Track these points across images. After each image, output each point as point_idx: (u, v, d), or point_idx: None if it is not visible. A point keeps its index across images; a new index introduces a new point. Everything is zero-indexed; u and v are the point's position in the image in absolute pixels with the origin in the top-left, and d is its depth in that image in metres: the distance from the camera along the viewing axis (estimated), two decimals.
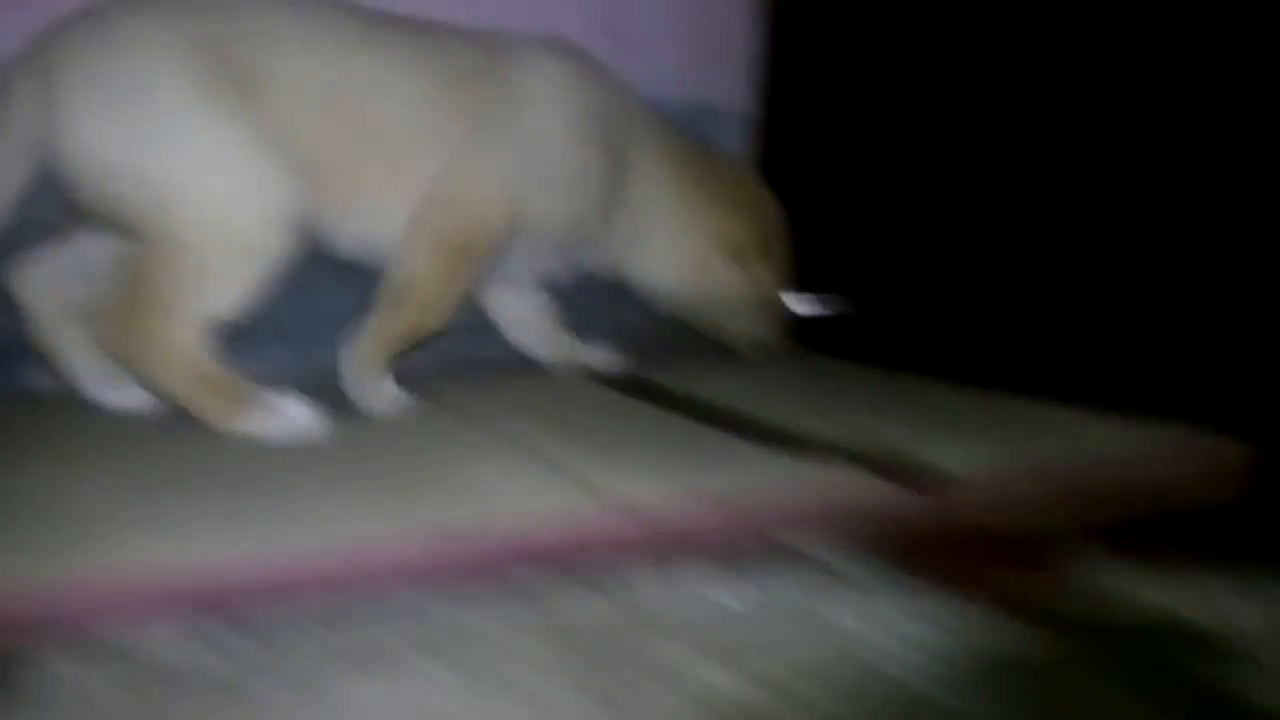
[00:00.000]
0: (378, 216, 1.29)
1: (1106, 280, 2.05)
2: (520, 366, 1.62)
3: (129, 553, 0.74)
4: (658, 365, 1.62)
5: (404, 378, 1.33)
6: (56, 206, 1.18)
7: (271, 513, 0.85)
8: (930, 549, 0.89)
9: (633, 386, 1.47)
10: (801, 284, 1.79)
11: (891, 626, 0.72)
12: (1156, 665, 0.68)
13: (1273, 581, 0.81)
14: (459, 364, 1.60)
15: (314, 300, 1.51)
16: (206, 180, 1.12)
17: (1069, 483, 1.00)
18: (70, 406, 1.24)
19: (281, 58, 1.19)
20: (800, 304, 1.77)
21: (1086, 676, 0.66)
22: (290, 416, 1.15)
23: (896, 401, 1.38)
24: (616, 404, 1.37)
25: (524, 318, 1.60)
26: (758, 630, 0.71)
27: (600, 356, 1.61)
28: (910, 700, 0.61)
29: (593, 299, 1.70)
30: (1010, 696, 0.63)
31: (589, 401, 1.38)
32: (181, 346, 1.12)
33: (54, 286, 1.25)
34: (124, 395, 1.25)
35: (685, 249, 1.54)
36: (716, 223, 1.53)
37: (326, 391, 1.26)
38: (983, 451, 1.06)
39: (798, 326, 1.79)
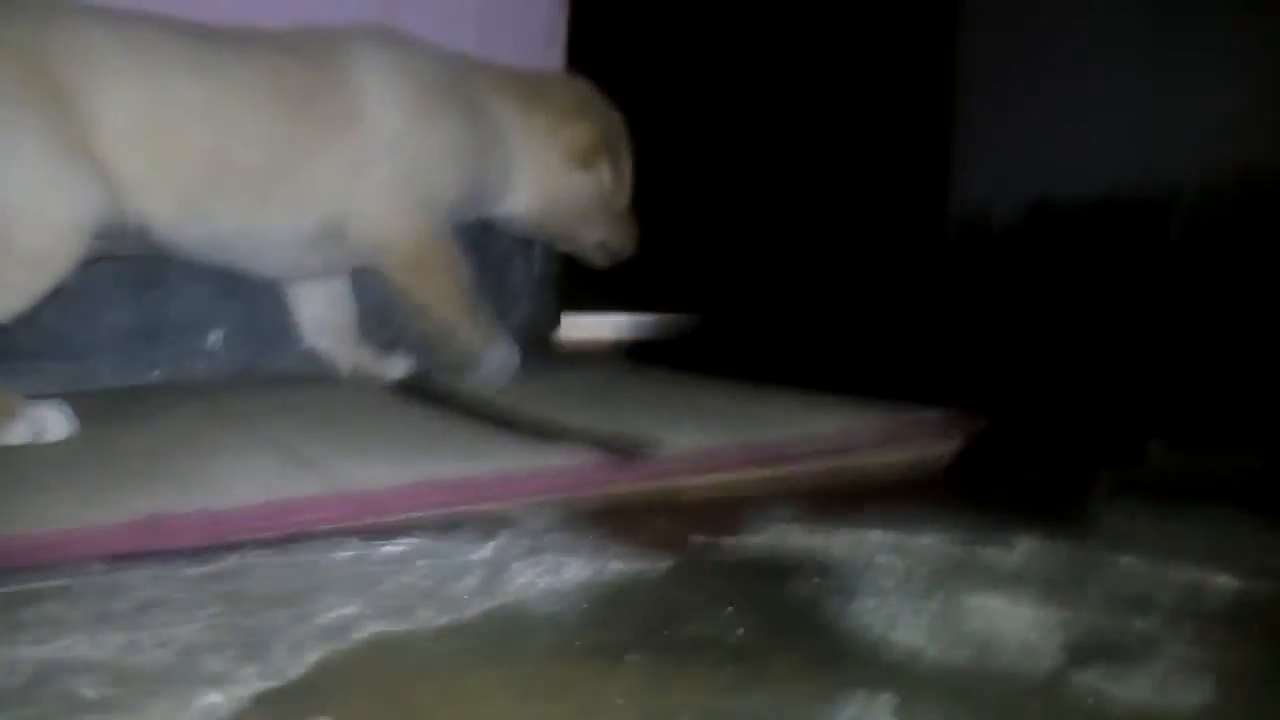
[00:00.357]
0: (239, 233, 1.36)
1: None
2: (313, 375, 1.64)
3: None
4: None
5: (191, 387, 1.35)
6: None
7: None
8: (634, 517, 0.96)
9: (407, 388, 1.51)
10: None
11: (559, 574, 0.78)
12: (772, 585, 0.76)
13: (933, 534, 0.90)
14: (248, 372, 1.63)
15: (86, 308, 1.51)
16: None
17: (773, 458, 1.08)
18: None
19: (105, 76, 1.21)
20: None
21: (699, 596, 0.73)
22: (44, 423, 1.15)
23: (653, 397, 1.47)
24: (385, 406, 1.41)
25: (327, 326, 1.62)
26: (437, 588, 0.75)
27: (399, 366, 1.64)
28: (531, 620, 0.67)
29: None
30: (615, 605, 0.69)
31: (360, 404, 1.42)
32: None
33: None
34: None
35: (540, 167, 1.62)
36: (561, 133, 1.60)
37: (89, 397, 1.27)
38: (708, 434, 1.13)
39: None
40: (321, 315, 1.62)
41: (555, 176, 1.62)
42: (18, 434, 1.13)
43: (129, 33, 1.26)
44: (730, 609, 0.71)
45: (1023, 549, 0.85)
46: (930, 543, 0.87)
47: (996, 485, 1.09)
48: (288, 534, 0.85)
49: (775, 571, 0.79)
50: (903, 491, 1.06)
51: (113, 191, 1.21)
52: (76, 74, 1.19)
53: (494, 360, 1.51)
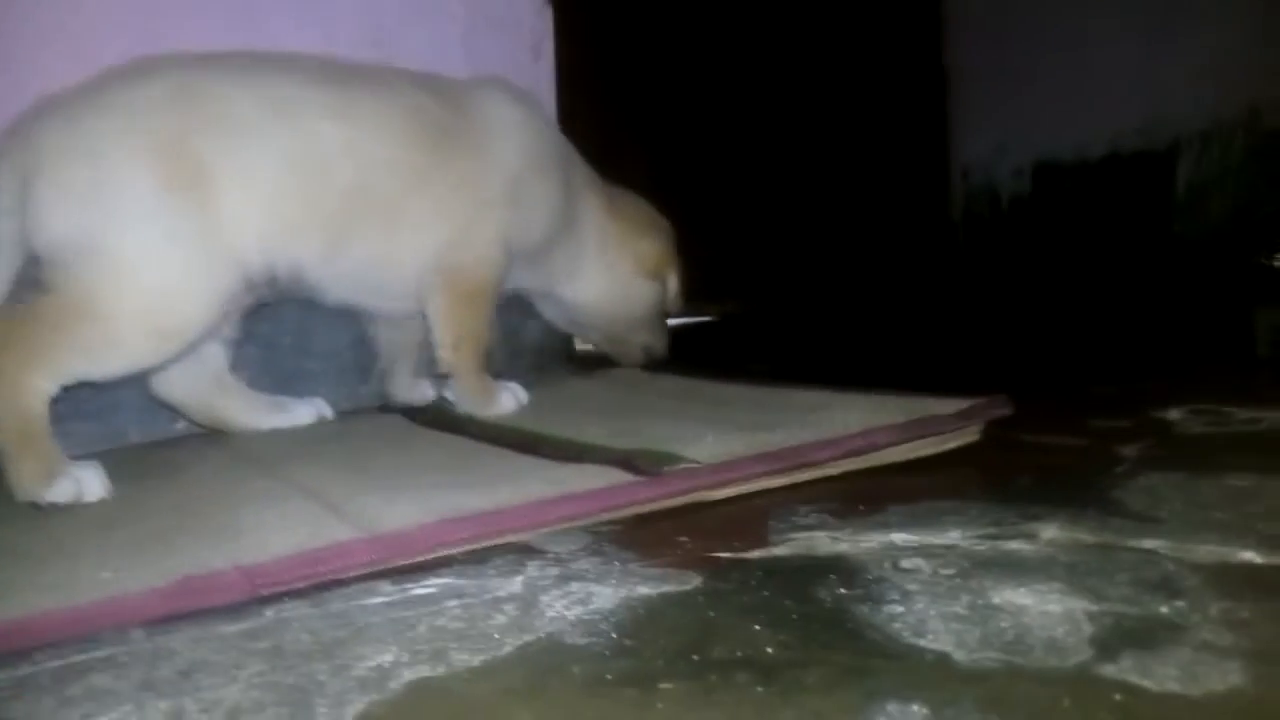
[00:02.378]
0: (372, 262, 1.44)
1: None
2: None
3: None
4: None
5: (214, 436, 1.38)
6: None
7: (24, 580, 0.89)
8: (659, 535, 0.97)
9: (426, 418, 1.53)
10: None
11: (589, 603, 0.79)
12: (799, 597, 0.76)
13: (958, 531, 0.91)
14: None
15: None
16: (147, 267, 1.20)
17: (794, 464, 1.09)
18: None
19: (250, 137, 1.28)
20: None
21: (727, 614, 0.74)
22: (83, 484, 1.18)
23: (669, 404, 1.47)
24: (404, 438, 1.43)
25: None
26: (469, 628, 0.77)
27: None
28: (564, 654, 0.68)
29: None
30: (645, 631, 0.70)
31: (379, 438, 1.44)
32: (31, 396, 1.15)
33: None
34: None
35: (614, 270, 1.76)
36: (640, 246, 1.77)
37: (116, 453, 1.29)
38: (728, 443, 1.14)
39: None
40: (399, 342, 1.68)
41: (623, 280, 1.77)
42: (64, 492, 1.15)
43: (264, 86, 1.32)
44: (758, 626, 0.72)
45: (1047, 539, 0.86)
46: (955, 540, 0.87)
47: (1019, 470, 1.09)
48: (320, 583, 0.86)
49: (802, 583, 0.80)
50: (925, 486, 1.06)
51: (254, 254, 1.30)
52: (221, 143, 1.25)
53: (504, 399, 1.54)
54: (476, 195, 1.48)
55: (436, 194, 1.45)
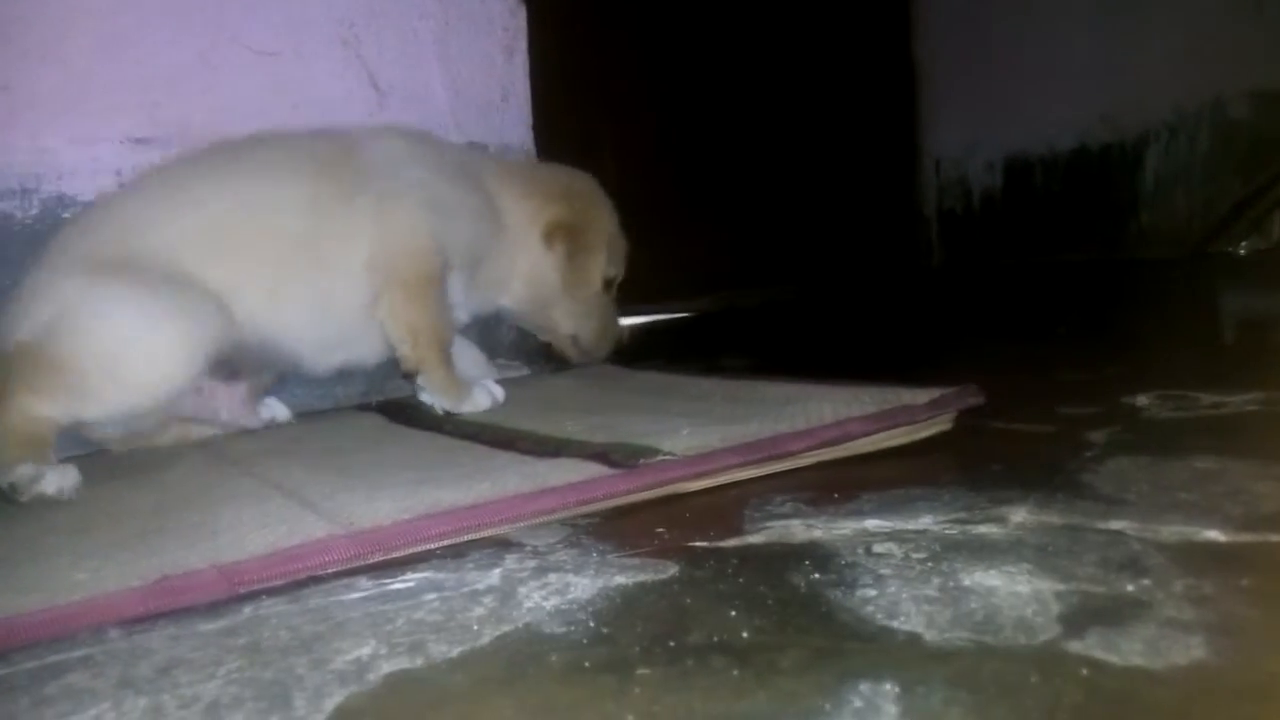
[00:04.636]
0: (313, 298, 1.52)
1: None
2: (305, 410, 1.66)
3: None
4: None
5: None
6: None
7: None
8: (636, 526, 0.98)
9: (404, 414, 1.53)
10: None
11: (566, 593, 0.80)
12: (773, 583, 0.77)
13: (929, 516, 0.92)
14: None
15: None
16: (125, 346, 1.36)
17: (770, 455, 1.10)
18: None
19: (183, 229, 1.45)
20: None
21: (703, 601, 0.75)
22: (63, 480, 1.21)
23: (646, 399, 1.48)
24: (380, 435, 1.43)
25: None
26: (448, 620, 0.77)
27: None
28: (542, 643, 0.69)
29: None
30: (623, 619, 0.71)
31: (356, 436, 1.44)
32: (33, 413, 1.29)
33: None
34: None
35: (527, 250, 1.72)
36: (539, 210, 1.71)
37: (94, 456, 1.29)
38: (704, 436, 1.15)
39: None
40: None
41: (534, 257, 1.72)
42: (51, 484, 1.21)
43: (176, 178, 1.52)
44: (733, 612, 0.73)
45: (1016, 522, 0.87)
46: (926, 525, 0.88)
47: (990, 457, 1.11)
48: (298, 580, 0.87)
49: (776, 569, 0.81)
50: (898, 474, 1.07)
51: (223, 318, 1.42)
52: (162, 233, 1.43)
53: (478, 395, 1.55)
54: (371, 205, 1.53)
55: (341, 216, 1.51)
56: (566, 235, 1.71)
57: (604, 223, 1.77)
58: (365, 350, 1.61)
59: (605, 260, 1.76)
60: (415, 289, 1.52)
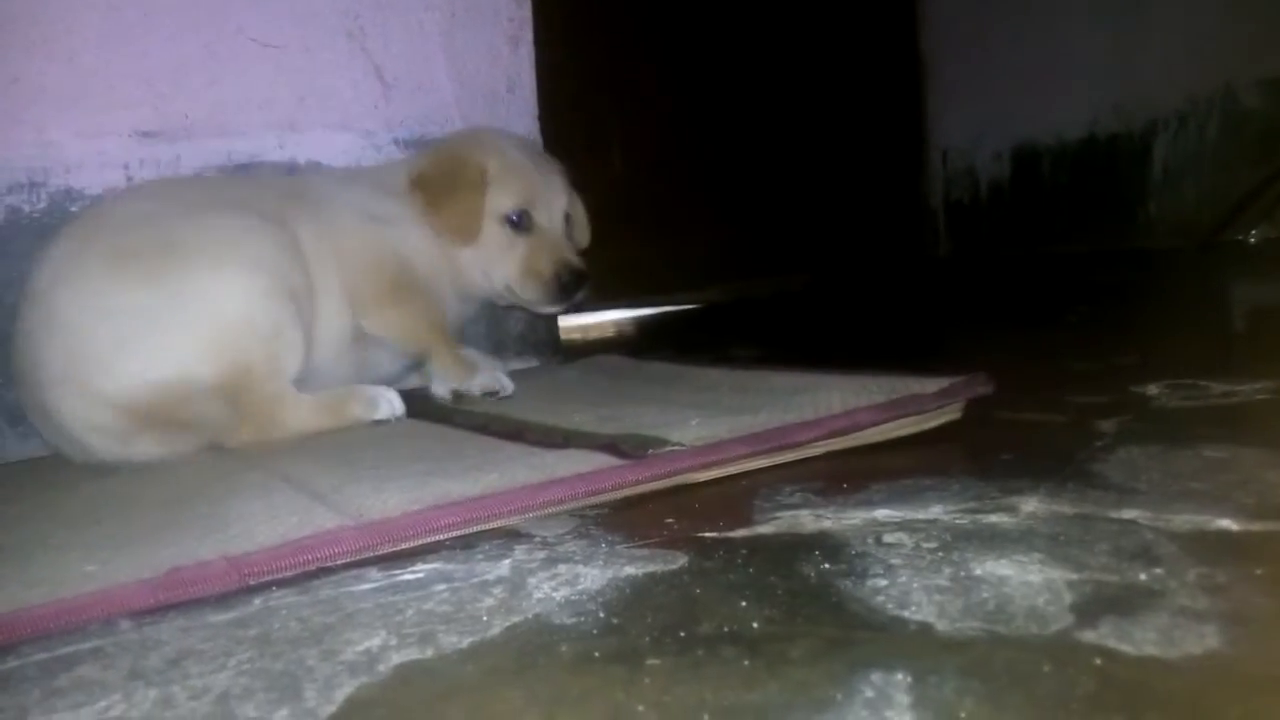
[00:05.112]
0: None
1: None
2: None
3: None
4: None
5: None
6: None
7: (10, 575, 0.88)
8: (646, 517, 0.98)
9: (417, 410, 1.53)
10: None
11: (576, 584, 0.80)
12: (783, 573, 0.77)
13: (940, 505, 0.92)
14: None
15: None
16: None
17: (779, 445, 1.09)
18: None
19: None
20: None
21: (713, 592, 0.75)
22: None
23: (654, 390, 1.48)
24: (390, 427, 1.43)
25: None
26: (458, 611, 0.77)
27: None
28: (552, 633, 0.69)
29: None
30: (632, 609, 0.71)
31: (365, 428, 1.44)
32: None
33: None
34: None
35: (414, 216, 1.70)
36: (407, 174, 1.71)
37: None
38: (713, 426, 1.14)
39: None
40: None
41: (416, 218, 1.69)
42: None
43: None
44: (744, 603, 0.72)
45: (1028, 511, 0.87)
46: (937, 515, 0.88)
47: (1000, 446, 1.10)
48: (308, 571, 0.87)
49: (786, 559, 0.81)
50: (908, 463, 1.07)
51: None
52: None
53: (481, 379, 1.58)
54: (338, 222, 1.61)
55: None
56: (421, 184, 1.67)
57: (475, 162, 1.68)
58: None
59: (486, 197, 1.67)
60: (393, 295, 1.60)
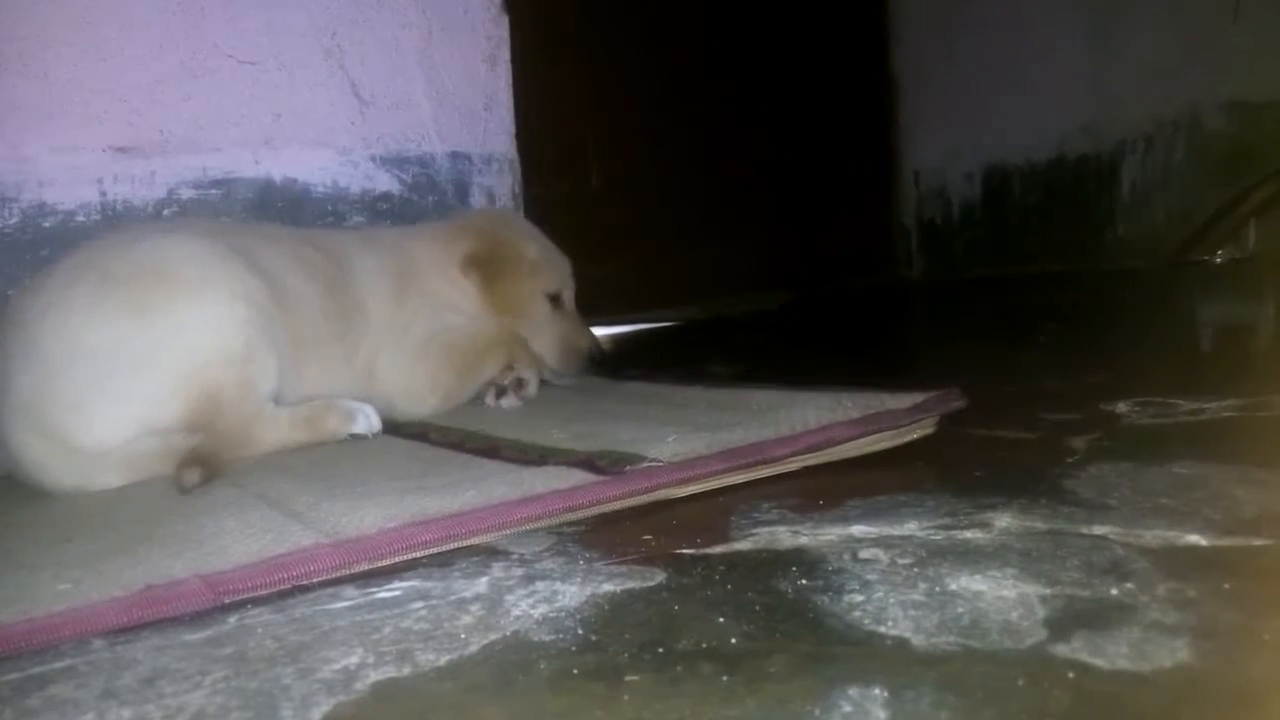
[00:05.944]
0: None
1: None
2: None
3: None
4: None
5: None
6: None
7: None
8: (623, 533, 0.98)
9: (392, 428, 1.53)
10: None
11: (554, 601, 0.80)
12: (761, 589, 0.78)
13: (914, 522, 0.92)
14: None
15: None
16: None
17: (755, 461, 1.10)
18: None
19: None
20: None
21: (690, 608, 0.75)
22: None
23: (631, 408, 1.49)
24: (367, 444, 1.43)
25: None
26: (435, 629, 0.77)
27: None
28: (530, 651, 0.69)
29: None
30: (611, 626, 0.71)
31: (342, 446, 1.43)
32: None
33: None
34: None
35: (445, 284, 1.78)
36: (449, 248, 1.77)
37: None
38: (689, 443, 1.15)
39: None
40: None
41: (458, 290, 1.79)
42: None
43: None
44: (721, 619, 0.73)
45: (1001, 527, 0.88)
46: (912, 531, 0.89)
47: (973, 463, 1.11)
48: (284, 589, 0.86)
49: (763, 575, 0.81)
50: (883, 480, 1.08)
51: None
52: None
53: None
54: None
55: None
56: (477, 265, 1.76)
57: (515, 244, 1.81)
58: None
59: (533, 280, 1.80)
60: (448, 361, 1.69)
